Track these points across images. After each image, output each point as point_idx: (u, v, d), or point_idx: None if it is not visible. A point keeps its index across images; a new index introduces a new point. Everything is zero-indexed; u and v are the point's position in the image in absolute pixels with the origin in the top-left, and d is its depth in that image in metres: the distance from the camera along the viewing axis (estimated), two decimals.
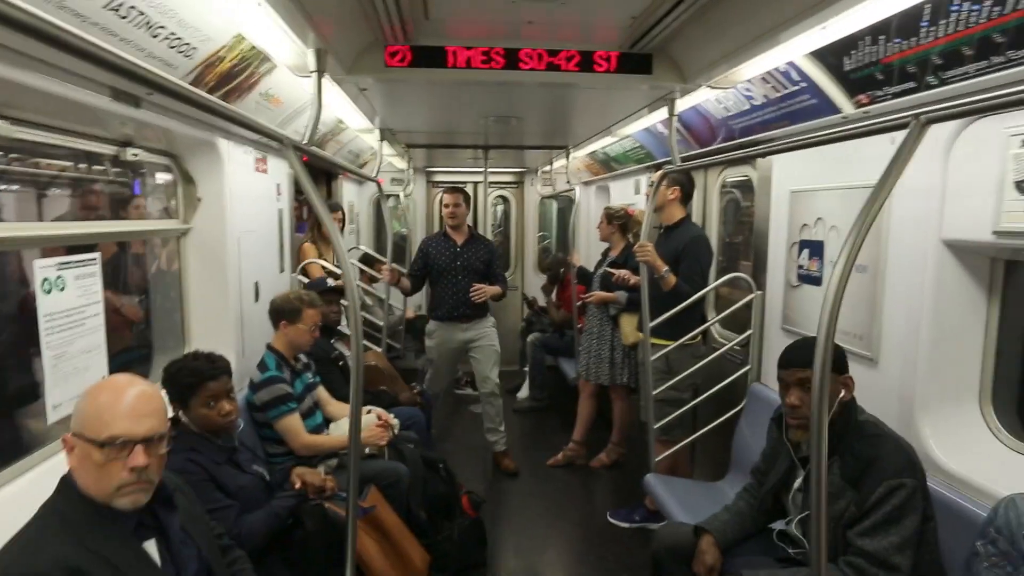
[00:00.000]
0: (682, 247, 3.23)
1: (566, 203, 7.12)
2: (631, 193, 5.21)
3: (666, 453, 3.26)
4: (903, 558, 1.69)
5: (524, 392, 5.67)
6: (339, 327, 3.77)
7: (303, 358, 2.94)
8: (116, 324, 2.82)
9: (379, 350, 4.15)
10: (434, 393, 4.21)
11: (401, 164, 5.79)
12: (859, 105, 2.09)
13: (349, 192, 5.93)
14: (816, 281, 2.59)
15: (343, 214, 4.74)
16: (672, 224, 3.38)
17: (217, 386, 2.05)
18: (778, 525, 2.10)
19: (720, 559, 2.11)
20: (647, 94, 2.92)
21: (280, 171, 3.67)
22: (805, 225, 2.66)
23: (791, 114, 2.48)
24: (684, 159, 2.94)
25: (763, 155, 2.64)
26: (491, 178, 5.42)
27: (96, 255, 2.21)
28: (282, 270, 3.70)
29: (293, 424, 2.66)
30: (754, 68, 2.33)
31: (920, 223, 2.03)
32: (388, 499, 2.52)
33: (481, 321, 4.17)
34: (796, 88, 2.29)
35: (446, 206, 4.16)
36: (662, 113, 3.31)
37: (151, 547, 1.46)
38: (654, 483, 2.99)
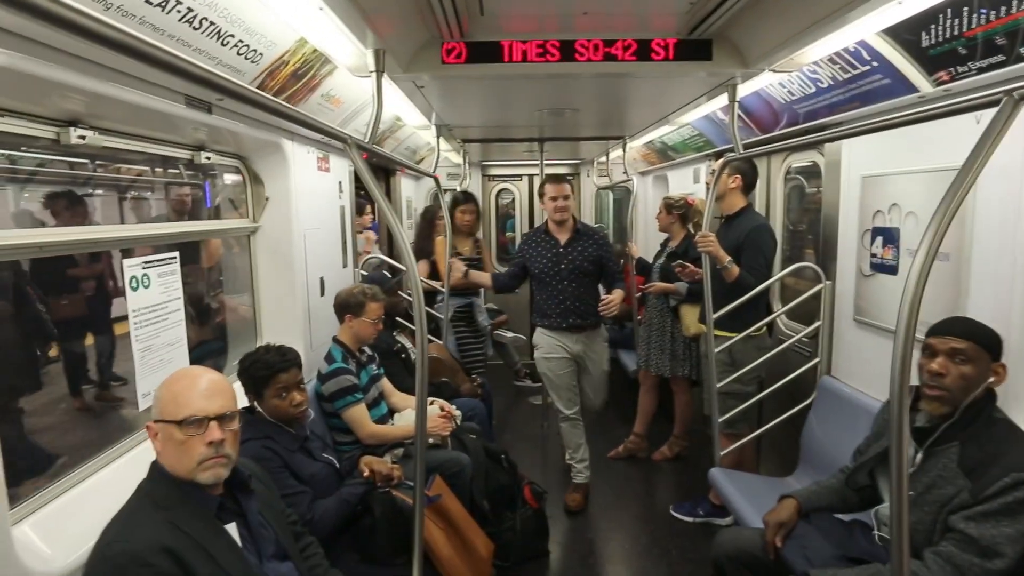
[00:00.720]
0: (744, 237, 3.14)
1: (623, 194, 7.03)
2: (690, 182, 5.09)
3: (731, 447, 3.19)
4: (1011, 550, 1.58)
5: None
6: (398, 319, 3.87)
7: (367, 350, 3.03)
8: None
9: (440, 342, 4.22)
10: (563, 417, 3.67)
11: (457, 159, 5.84)
12: (939, 83, 1.97)
13: (407, 188, 6.03)
14: (891, 270, 2.46)
15: (373, 210, 4.78)
16: (733, 213, 3.29)
17: (288, 377, 2.14)
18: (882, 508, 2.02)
19: (794, 519, 2.09)
20: (706, 81, 2.84)
21: (341, 169, 3.78)
22: (878, 211, 2.53)
23: (862, 95, 2.36)
24: (746, 146, 2.85)
25: (833, 139, 2.51)
26: (546, 170, 5.40)
27: (176, 254, 2.35)
28: (345, 265, 3.82)
29: (359, 414, 2.75)
30: (820, 50, 2.23)
31: (1008, 208, 1.90)
32: (452, 489, 2.57)
33: (594, 333, 3.62)
34: (867, 68, 2.18)
35: (552, 199, 3.54)
36: (722, 100, 3.22)
37: (232, 530, 1.55)
38: (719, 477, 2.93)
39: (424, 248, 4.63)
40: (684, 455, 4.29)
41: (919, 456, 1.83)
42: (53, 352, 2.43)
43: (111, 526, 1.41)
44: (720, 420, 3.17)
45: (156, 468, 1.51)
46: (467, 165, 5.89)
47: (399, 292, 3.87)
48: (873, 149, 2.61)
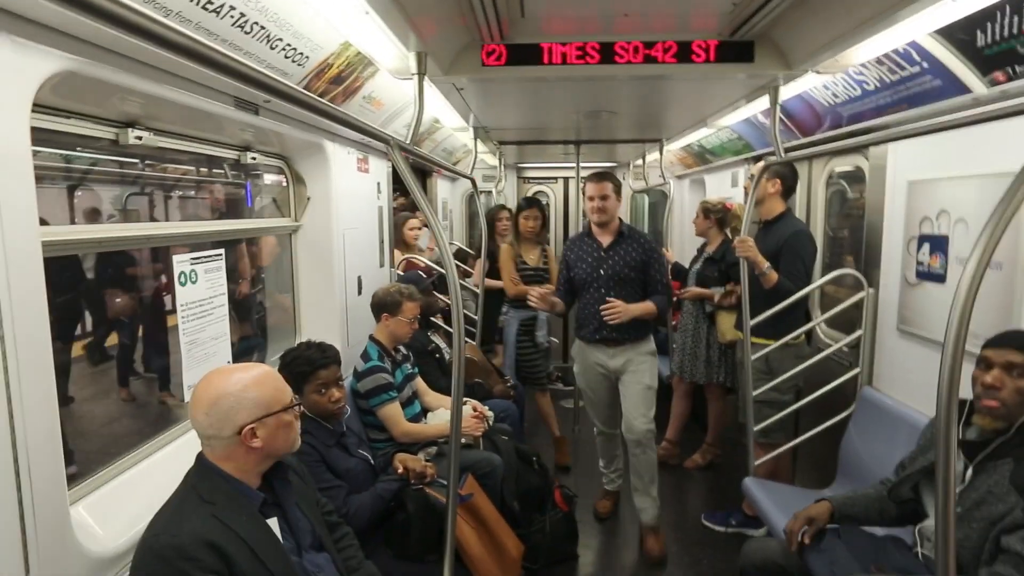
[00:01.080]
0: (782, 242, 3.08)
1: (658, 197, 6.97)
2: (728, 186, 5.02)
3: (766, 457, 3.13)
4: None
5: None
6: (433, 319, 3.91)
7: (403, 349, 3.07)
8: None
9: (473, 343, 4.25)
10: (599, 431, 3.51)
11: (492, 161, 5.88)
12: (994, 83, 1.91)
13: (443, 189, 6.09)
14: (939, 279, 2.39)
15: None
16: (772, 218, 3.23)
17: (328, 374, 2.19)
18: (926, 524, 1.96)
19: (825, 519, 2.09)
20: (747, 83, 2.80)
21: (380, 170, 3.84)
22: (926, 218, 2.46)
23: (910, 98, 2.30)
24: (788, 149, 2.80)
25: (881, 142, 2.44)
26: (582, 173, 5.39)
27: (221, 251, 2.43)
28: (382, 265, 3.88)
29: (394, 412, 2.79)
30: (867, 51, 2.18)
31: None
32: (483, 489, 2.58)
33: (635, 346, 3.21)
34: (916, 69, 2.12)
35: (590, 199, 3.25)
36: (762, 103, 3.18)
37: (274, 524, 1.58)
38: (753, 487, 2.88)
39: (489, 248, 4.66)
40: (716, 463, 4.23)
41: (968, 472, 1.77)
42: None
43: (158, 517, 1.45)
44: (755, 429, 3.11)
45: (202, 461, 1.53)
46: (503, 167, 5.92)
47: (434, 293, 3.92)
48: (921, 153, 2.54)
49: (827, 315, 3.12)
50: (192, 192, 3.59)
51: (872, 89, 2.45)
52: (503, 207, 5.20)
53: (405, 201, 4.76)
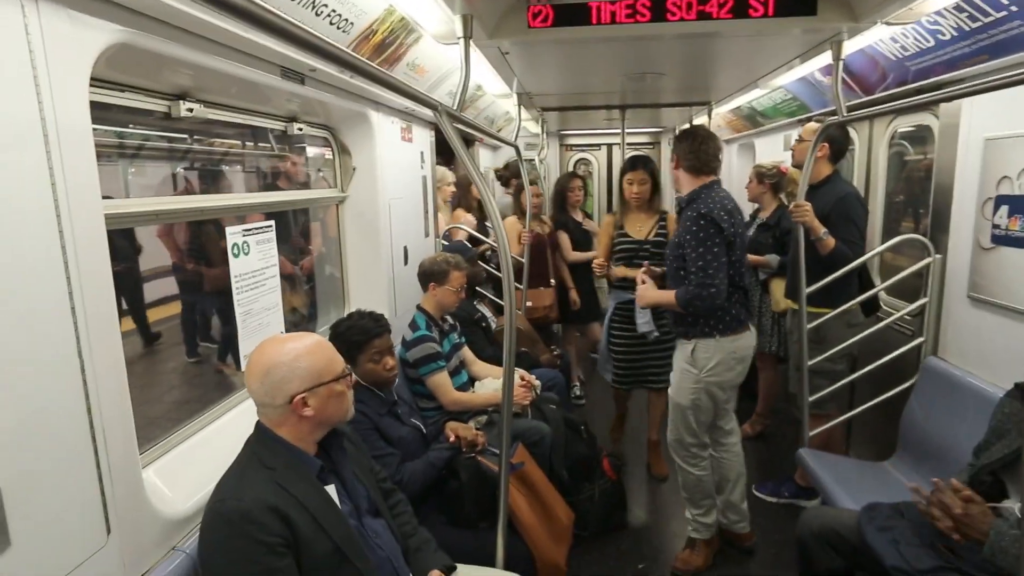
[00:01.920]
0: (830, 206, 2.95)
1: None
2: (780, 150, 4.83)
3: (820, 428, 3.05)
4: None
5: None
6: (478, 289, 3.91)
7: (449, 319, 3.08)
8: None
9: (520, 312, 4.24)
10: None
11: (534, 128, 5.79)
12: None
13: (485, 158, 6.05)
14: (1018, 243, 2.24)
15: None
16: (817, 182, 3.08)
17: (381, 343, 2.22)
18: (1009, 503, 1.80)
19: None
20: (806, 39, 2.65)
21: (423, 140, 3.82)
22: (1005, 178, 2.30)
23: (992, 47, 2.13)
24: (850, 108, 2.65)
25: (961, 96, 2.22)
26: (627, 139, 5.26)
27: (272, 223, 2.45)
28: (427, 235, 3.88)
29: (442, 381, 2.81)
30: None
31: None
32: (532, 457, 2.60)
33: (679, 345, 2.74)
34: (1003, 14, 1.95)
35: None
36: (821, 59, 3.00)
37: (331, 490, 1.61)
38: (808, 458, 2.82)
39: (560, 220, 4.58)
40: (767, 433, 4.15)
41: None
42: None
43: (224, 482, 1.49)
44: (809, 400, 3.03)
45: (262, 429, 1.57)
46: (545, 134, 5.82)
47: (479, 262, 3.91)
48: (1000, 109, 2.36)
49: (889, 282, 2.99)
50: (260, 165, 3.65)
51: (948, 39, 2.28)
52: (575, 175, 4.93)
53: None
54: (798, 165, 3.26)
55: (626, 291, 3.35)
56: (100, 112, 1.61)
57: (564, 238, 4.52)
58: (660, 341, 3.31)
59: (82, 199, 1.26)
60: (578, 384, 4.77)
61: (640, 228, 3.48)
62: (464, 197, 4.84)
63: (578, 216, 4.61)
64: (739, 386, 3.09)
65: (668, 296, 2.66)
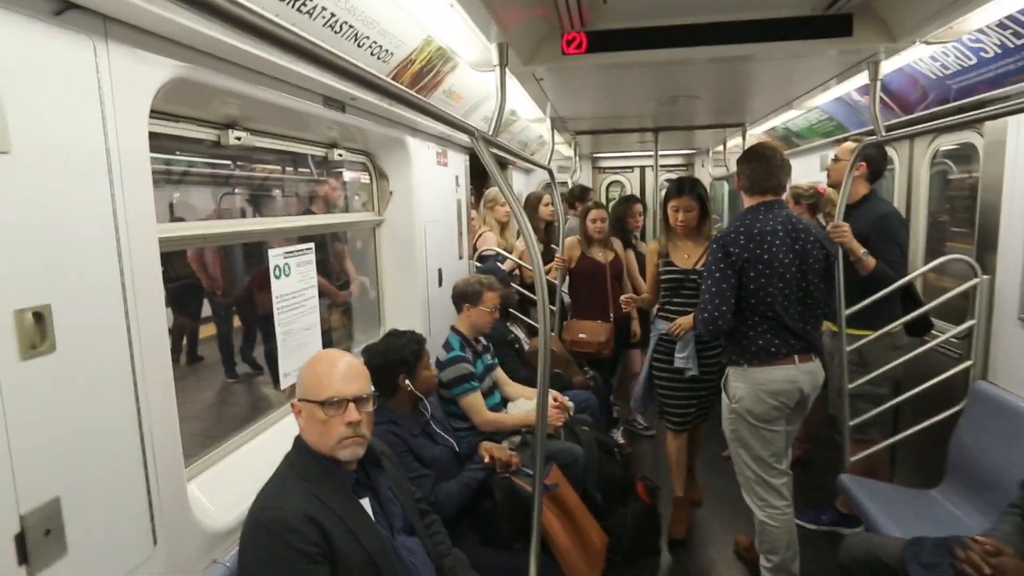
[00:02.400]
0: (869, 226, 2.89)
1: None
2: (816, 170, 4.75)
3: (862, 454, 2.96)
4: None
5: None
6: (512, 311, 3.93)
7: (483, 340, 3.11)
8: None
9: (553, 334, 4.24)
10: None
11: (567, 152, 5.84)
12: None
13: (518, 182, 6.12)
14: None
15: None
16: (854, 202, 3.02)
17: (426, 351, 2.38)
18: None
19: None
20: (843, 59, 2.63)
21: (458, 164, 3.90)
22: None
23: None
24: (889, 128, 2.61)
25: (1008, 114, 2.19)
26: (660, 161, 5.25)
27: (311, 245, 2.53)
28: (461, 257, 3.93)
29: (476, 401, 2.83)
30: (988, 14, 1.99)
31: None
32: (566, 479, 2.58)
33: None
34: None
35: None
36: (857, 80, 2.97)
37: (366, 504, 1.65)
38: (851, 485, 2.73)
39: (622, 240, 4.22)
40: (807, 459, 4.03)
41: None
42: None
43: (263, 493, 1.54)
44: (850, 424, 2.95)
45: (299, 442, 1.62)
46: (578, 157, 5.87)
47: (511, 284, 3.93)
48: None
49: (934, 303, 2.90)
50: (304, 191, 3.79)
51: (991, 57, 2.24)
52: (634, 198, 4.54)
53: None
54: (834, 185, 3.22)
55: (671, 320, 3.14)
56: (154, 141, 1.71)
57: (633, 261, 4.20)
58: (703, 378, 3.09)
59: (139, 223, 1.33)
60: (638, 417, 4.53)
61: (687, 257, 3.19)
62: (531, 218, 4.56)
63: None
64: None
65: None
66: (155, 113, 1.58)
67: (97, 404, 1.22)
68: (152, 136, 1.66)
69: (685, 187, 3.17)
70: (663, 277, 3.21)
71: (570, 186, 5.96)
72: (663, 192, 3.52)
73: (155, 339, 1.39)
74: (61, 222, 1.14)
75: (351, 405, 1.58)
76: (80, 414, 1.18)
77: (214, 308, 5.32)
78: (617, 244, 4.09)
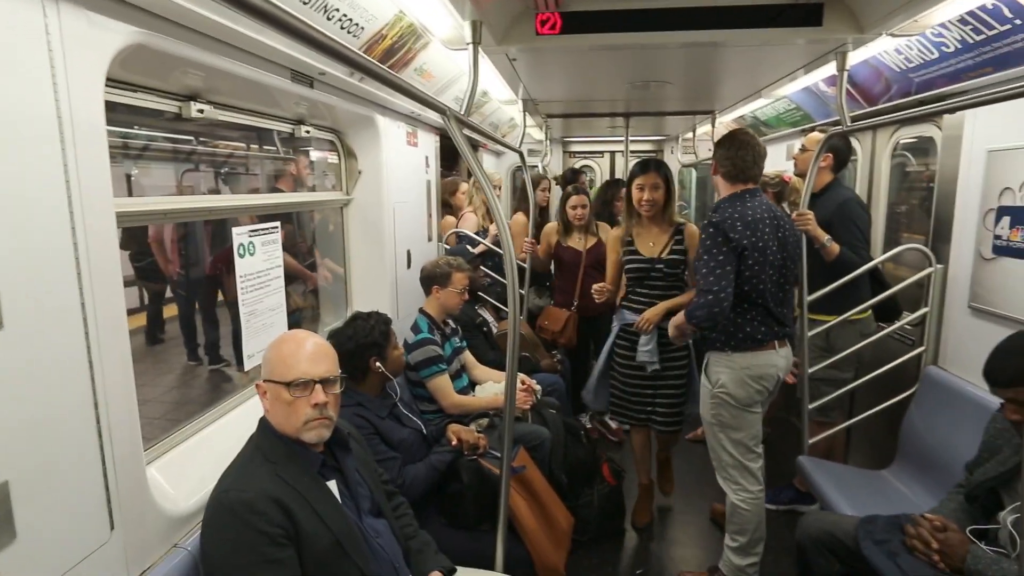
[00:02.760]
0: (832, 213, 2.97)
1: (707, 172, 6.79)
2: (783, 159, 4.85)
3: (821, 435, 3.06)
4: None
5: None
6: (480, 293, 3.91)
7: (451, 323, 3.09)
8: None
9: (521, 317, 4.24)
10: None
11: (538, 135, 5.81)
12: None
13: (488, 164, 6.07)
14: (1018, 253, 2.25)
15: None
16: (819, 190, 3.10)
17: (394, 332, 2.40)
18: (1003, 515, 1.84)
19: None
20: (811, 49, 2.66)
21: (428, 144, 3.84)
22: (1007, 189, 2.32)
23: (996, 59, 2.15)
24: (855, 119, 2.67)
25: (965, 108, 2.24)
26: (631, 147, 5.27)
27: (277, 224, 2.47)
28: (430, 239, 3.89)
29: (443, 384, 2.82)
30: (951, 9, 2.04)
31: None
32: (532, 461, 2.60)
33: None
34: (1007, 28, 1.98)
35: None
36: (824, 71, 3.02)
37: (332, 486, 1.63)
38: (809, 466, 2.82)
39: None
40: (767, 440, 4.13)
41: None
42: None
43: (227, 474, 1.52)
44: (811, 407, 3.04)
45: (264, 423, 1.60)
46: (549, 141, 5.85)
47: (481, 268, 3.91)
48: (1003, 121, 2.38)
49: (897, 288, 2.98)
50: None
51: (952, 51, 2.30)
52: (621, 181, 4.45)
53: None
54: (801, 174, 3.28)
55: (636, 311, 3.00)
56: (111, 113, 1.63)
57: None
58: (665, 376, 3.01)
59: (94, 197, 1.27)
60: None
61: (652, 245, 3.01)
62: (523, 200, 4.39)
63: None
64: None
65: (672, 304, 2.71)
66: (112, 82, 1.51)
67: (50, 385, 1.17)
68: (109, 107, 1.60)
69: (651, 165, 3.06)
70: (627, 267, 3.05)
71: (540, 170, 5.95)
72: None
73: (112, 318, 1.33)
74: (7, 193, 1.08)
75: (318, 386, 1.55)
76: (30, 395, 1.13)
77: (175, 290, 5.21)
78: (603, 228, 3.94)
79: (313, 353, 1.58)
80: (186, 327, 5.14)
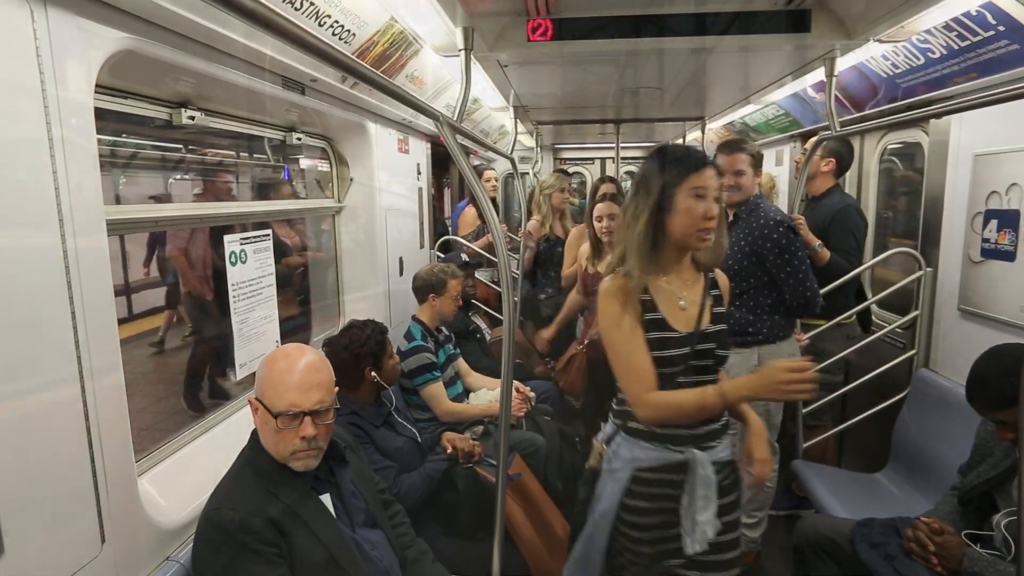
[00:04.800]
0: (830, 218, 2.99)
1: None
2: (771, 164, 4.88)
3: (815, 439, 3.06)
4: None
5: None
6: (474, 300, 3.90)
7: (444, 330, 3.08)
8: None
9: (516, 326, 4.23)
10: None
11: (528, 142, 5.82)
12: None
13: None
14: (1007, 256, 2.27)
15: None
16: (819, 194, 3.12)
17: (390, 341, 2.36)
18: (997, 518, 1.85)
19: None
20: (800, 55, 2.69)
21: (419, 152, 3.83)
22: (994, 192, 2.34)
23: (980, 65, 2.17)
24: (843, 124, 2.69)
25: (951, 112, 2.27)
26: (622, 153, 5.28)
27: (268, 232, 2.45)
28: (422, 246, 3.88)
29: (437, 391, 2.80)
30: (936, 15, 2.07)
31: None
32: (528, 468, 2.59)
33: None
34: (991, 34, 2.00)
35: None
36: (813, 76, 3.05)
37: (327, 500, 1.60)
38: (804, 471, 2.83)
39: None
40: None
41: None
42: None
43: (218, 492, 1.48)
44: (804, 411, 3.05)
45: (256, 439, 1.55)
46: (539, 148, 5.86)
47: (475, 275, 3.90)
48: (989, 125, 2.41)
49: (882, 295, 3.02)
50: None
51: (937, 57, 2.33)
52: (613, 180, 4.25)
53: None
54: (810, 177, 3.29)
55: (664, 441, 1.68)
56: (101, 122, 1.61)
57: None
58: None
59: (84, 204, 1.25)
60: None
61: (684, 306, 1.69)
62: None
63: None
64: None
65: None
66: (102, 88, 1.50)
67: (39, 396, 1.15)
68: (99, 114, 1.58)
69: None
70: (656, 347, 1.65)
71: (531, 176, 5.95)
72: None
73: (102, 326, 1.31)
74: None
75: (307, 419, 1.47)
76: (20, 406, 1.11)
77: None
78: None
79: (304, 380, 1.49)
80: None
